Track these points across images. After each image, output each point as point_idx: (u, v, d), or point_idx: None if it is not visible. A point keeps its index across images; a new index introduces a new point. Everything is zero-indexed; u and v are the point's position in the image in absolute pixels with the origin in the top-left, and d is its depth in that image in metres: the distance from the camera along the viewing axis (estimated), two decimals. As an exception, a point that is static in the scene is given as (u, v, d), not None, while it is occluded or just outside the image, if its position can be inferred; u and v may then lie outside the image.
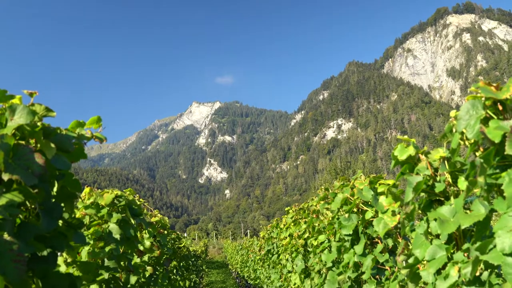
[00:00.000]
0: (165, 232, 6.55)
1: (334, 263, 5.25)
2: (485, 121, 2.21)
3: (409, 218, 3.19)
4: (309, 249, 6.48)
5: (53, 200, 2.29)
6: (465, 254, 2.53)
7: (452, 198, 2.80)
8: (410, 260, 3.06)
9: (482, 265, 2.28)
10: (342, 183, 4.83)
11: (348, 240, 4.57)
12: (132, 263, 4.77)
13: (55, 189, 2.35)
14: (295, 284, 7.61)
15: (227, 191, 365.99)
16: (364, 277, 4.14)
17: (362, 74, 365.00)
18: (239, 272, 24.10)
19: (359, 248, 4.30)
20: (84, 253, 3.56)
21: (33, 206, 2.15)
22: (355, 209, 4.50)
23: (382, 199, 3.96)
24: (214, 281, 35.10)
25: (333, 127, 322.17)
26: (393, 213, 3.76)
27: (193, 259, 15.13)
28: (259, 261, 14.07)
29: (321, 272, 5.66)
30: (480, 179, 2.25)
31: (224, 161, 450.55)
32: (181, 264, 9.38)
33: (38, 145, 1.99)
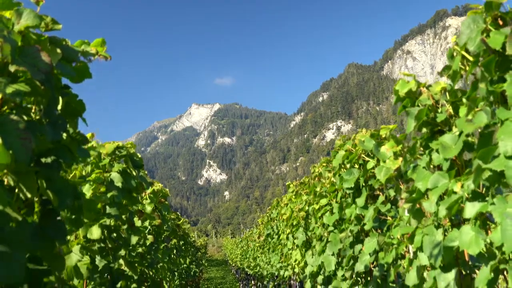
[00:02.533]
0: (166, 202, 6.54)
1: (336, 226, 5.25)
2: (486, 33, 2.22)
3: (411, 152, 3.19)
4: (310, 219, 6.48)
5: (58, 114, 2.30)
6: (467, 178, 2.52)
7: (454, 128, 2.80)
8: (413, 195, 3.07)
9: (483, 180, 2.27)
10: (342, 141, 4.82)
11: (349, 195, 4.57)
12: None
13: (59, 106, 2.36)
14: (295, 260, 7.61)
15: (226, 193, 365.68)
16: (366, 227, 4.14)
17: (361, 76, 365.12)
18: (239, 265, 24.08)
19: (360, 201, 4.30)
20: (86, 190, 3.56)
21: (37, 109, 2.16)
22: (356, 166, 4.51)
23: (383, 148, 3.97)
24: (214, 277, 35.17)
25: (333, 129, 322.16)
26: (395, 157, 3.76)
27: (193, 250, 15.11)
28: (258, 248, 14.07)
29: (322, 237, 5.65)
30: (482, 85, 2.26)
31: (224, 162, 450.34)
32: (181, 243, 9.38)
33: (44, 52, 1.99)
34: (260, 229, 13.92)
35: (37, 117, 2.13)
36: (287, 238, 8.28)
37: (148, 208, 5.77)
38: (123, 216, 4.32)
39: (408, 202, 3.14)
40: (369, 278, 4.55)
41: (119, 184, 3.93)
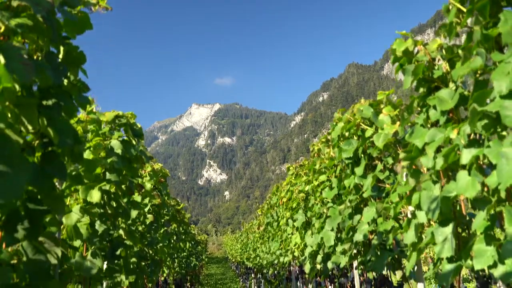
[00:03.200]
0: (165, 182, 6.57)
1: (335, 201, 5.28)
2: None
3: (409, 111, 3.22)
4: (309, 199, 6.50)
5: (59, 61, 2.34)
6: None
7: (450, 83, 2.83)
8: (411, 153, 3.09)
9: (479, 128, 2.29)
10: (341, 114, 4.85)
11: (348, 166, 4.59)
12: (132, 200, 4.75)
13: (60, 55, 2.39)
14: (295, 244, 7.63)
15: (226, 193, 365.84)
16: (364, 195, 4.15)
17: (361, 76, 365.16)
18: (239, 259, 24.09)
19: (359, 170, 4.32)
20: (86, 155, 3.58)
21: (40, 54, 2.19)
22: (355, 137, 4.52)
23: (381, 116, 3.99)
24: (214, 273, 35.21)
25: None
26: (393, 121, 3.79)
27: (193, 243, 15.13)
28: (258, 239, 14.10)
29: (322, 214, 5.67)
30: (476, 28, 2.29)
31: (224, 162, 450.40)
32: (181, 228, 9.40)
33: None
34: (260, 219, 13.96)
35: (40, 59, 2.18)
36: (287, 224, 8.30)
37: (148, 185, 5.81)
38: (123, 186, 4.34)
39: (405, 160, 3.17)
40: (368, 248, 4.56)
41: (119, 151, 3.95)
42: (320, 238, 5.57)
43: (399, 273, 4.35)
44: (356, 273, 5.33)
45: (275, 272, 12.41)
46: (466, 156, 2.39)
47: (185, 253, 11.44)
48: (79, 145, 2.42)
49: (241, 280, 27.20)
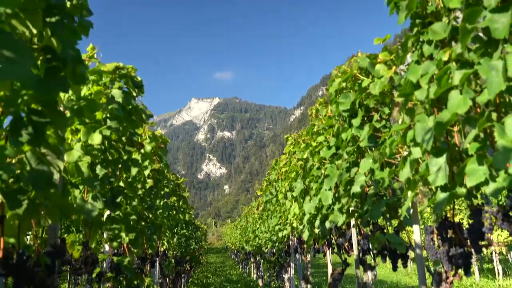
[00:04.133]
0: (165, 148, 6.62)
1: (332, 161, 5.33)
2: None
3: (403, 48, 3.28)
4: (307, 166, 6.56)
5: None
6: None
7: (444, 18, 2.88)
8: (406, 89, 3.15)
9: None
10: (338, 71, 4.90)
11: (345, 120, 4.65)
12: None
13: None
14: (294, 215, 7.69)
15: (226, 187, 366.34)
16: (361, 144, 4.21)
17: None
18: (238, 245, 24.19)
19: (356, 121, 4.38)
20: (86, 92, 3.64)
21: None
22: (352, 92, 4.58)
23: (378, 66, 4.06)
24: (214, 262, 35.40)
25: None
26: (389, 67, 3.85)
27: (192, 226, 15.21)
28: (257, 220, 14.16)
29: (320, 176, 5.73)
30: None
31: (223, 156, 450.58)
32: (181, 202, 9.47)
33: None
34: (259, 200, 14.05)
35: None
36: (285, 197, 8.36)
37: (148, 148, 5.86)
38: (123, 138, 4.40)
39: (400, 97, 3.23)
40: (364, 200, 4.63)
41: (119, 100, 4.01)
42: (318, 200, 5.63)
43: (395, 223, 4.42)
44: (353, 231, 5.40)
45: (274, 249, 12.50)
46: (458, 76, 2.46)
47: (184, 231, 11.52)
48: (80, 65, 2.48)
49: (241, 266, 27.35)
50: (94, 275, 4.34)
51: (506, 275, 18.02)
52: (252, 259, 19.77)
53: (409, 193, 3.65)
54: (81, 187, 3.78)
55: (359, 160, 4.64)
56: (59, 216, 2.58)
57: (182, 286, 14.41)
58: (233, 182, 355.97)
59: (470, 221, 2.98)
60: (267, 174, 11.00)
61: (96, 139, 3.64)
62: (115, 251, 4.68)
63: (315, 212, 6.04)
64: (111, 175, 4.01)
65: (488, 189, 2.51)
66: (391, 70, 3.76)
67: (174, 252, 10.98)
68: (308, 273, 8.32)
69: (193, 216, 17.12)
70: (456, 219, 3.23)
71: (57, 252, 2.60)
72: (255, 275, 19.02)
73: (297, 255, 10.18)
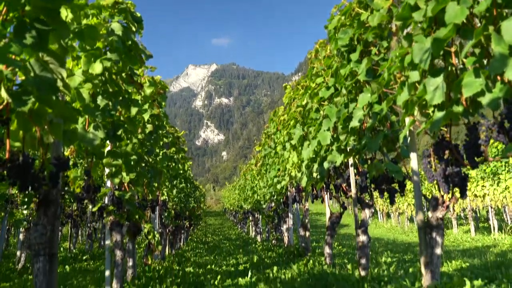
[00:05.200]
0: (164, 94, 6.64)
1: (331, 101, 5.37)
2: None
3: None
4: (306, 113, 6.59)
5: None
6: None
7: None
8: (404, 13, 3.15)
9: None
10: (338, 8, 4.89)
11: (344, 56, 4.67)
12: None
13: None
14: (292, 164, 7.75)
15: (224, 153, 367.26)
16: (359, 78, 4.23)
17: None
18: (237, 205, 24.40)
19: (355, 55, 4.40)
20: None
21: None
22: (350, 28, 4.58)
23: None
24: (213, 224, 35.75)
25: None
26: (388, -3, 3.85)
27: (190, 185, 15.30)
28: (256, 176, 14.26)
29: (318, 118, 5.77)
30: None
31: (221, 123, 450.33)
32: (180, 154, 9.53)
33: None
34: (258, 157, 14.13)
35: None
36: (284, 148, 8.42)
37: (148, 91, 5.88)
38: (123, 74, 4.42)
39: (398, 20, 3.26)
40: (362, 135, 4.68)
41: (119, 33, 4.02)
42: (317, 142, 5.68)
43: (392, 156, 4.48)
44: (351, 170, 5.47)
45: (272, 203, 12.64)
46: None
47: (183, 185, 11.62)
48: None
49: (239, 227, 27.66)
50: (95, 209, 4.42)
51: (501, 230, 18.29)
52: (250, 218, 19.97)
53: (407, 119, 3.71)
54: (82, 119, 3.82)
55: (357, 97, 4.68)
56: (61, 132, 2.62)
57: (182, 242, 14.60)
58: (231, 149, 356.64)
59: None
60: (265, 127, 11.04)
61: (96, 68, 3.66)
62: (116, 187, 4.76)
63: (314, 156, 6.10)
64: (112, 108, 4.04)
65: (485, 99, 2.56)
66: (389, 1, 3.77)
67: (174, 205, 11.10)
68: (307, 220, 8.44)
69: (192, 174, 17.23)
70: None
71: (61, 164, 2.65)
72: (253, 233, 19.25)
73: (295, 205, 10.31)
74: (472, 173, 18.07)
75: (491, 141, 3.17)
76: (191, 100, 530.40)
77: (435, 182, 3.40)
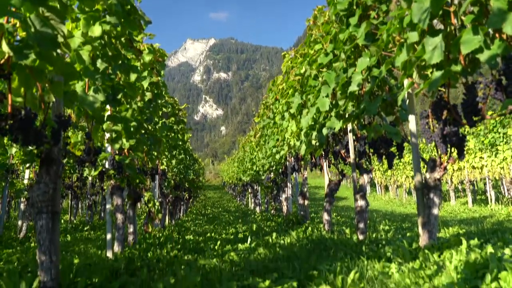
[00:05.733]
0: (163, 62, 6.62)
1: (330, 68, 5.37)
2: None
3: None
4: (304, 81, 6.59)
5: None
6: None
7: None
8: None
9: None
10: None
11: (342, 21, 4.66)
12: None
13: None
14: (291, 133, 7.76)
15: (222, 128, 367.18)
16: (359, 42, 4.23)
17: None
18: (236, 178, 24.52)
19: (354, 19, 4.39)
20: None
21: None
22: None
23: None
24: (212, 197, 35.95)
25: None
26: (388, -44, 3.82)
27: (189, 157, 15.34)
28: (255, 147, 14.30)
29: (316, 85, 5.77)
30: None
31: (220, 98, 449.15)
32: (180, 126, 9.55)
33: None
34: (256, 128, 14.16)
35: None
36: (283, 117, 8.43)
37: (147, 58, 5.87)
38: (122, 39, 4.41)
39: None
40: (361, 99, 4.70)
41: (117, -4, 4.00)
42: (316, 109, 5.70)
43: (390, 119, 4.51)
44: (350, 136, 5.50)
45: (271, 173, 12.71)
46: None
47: (183, 156, 11.67)
48: None
49: (238, 199, 27.83)
50: (96, 172, 4.46)
51: (498, 201, 18.43)
52: (249, 190, 20.08)
53: (405, 81, 3.72)
54: (82, 82, 3.83)
55: (356, 62, 4.68)
56: (62, 91, 2.64)
57: (182, 213, 14.71)
58: (230, 124, 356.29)
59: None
60: (264, 98, 11.04)
61: (96, 30, 3.66)
62: (117, 152, 4.79)
63: (312, 123, 6.12)
64: (112, 71, 4.05)
65: (483, 56, 2.57)
66: (390, -40, 3.75)
67: (173, 176, 11.16)
68: (305, 189, 8.50)
69: (191, 147, 17.29)
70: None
71: (62, 122, 2.67)
72: (252, 205, 19.38)
73: (294, 174, 10.36)
74: (471, 144, 18.13)
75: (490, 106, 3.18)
76: (190, 75, 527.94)
77: (433, 143, 3.43)
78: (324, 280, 3.10)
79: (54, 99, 2.66)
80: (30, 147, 2.76)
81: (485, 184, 21.48)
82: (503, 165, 16.46)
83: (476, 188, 25.65)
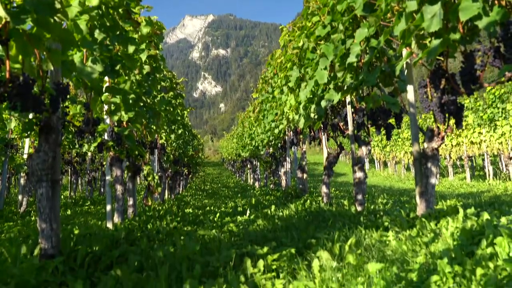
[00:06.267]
0: (161, 35, 6.59)
1: (327, 40, 5.35)
2: None
3: None
4: (303, 55, 6.56)
5: None
6: None
7: None
8: None
9: None
10: None
11: (341, -8, 4.62)
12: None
13: None
14: (290, 107, 7.76)
15: (221, 105, 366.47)
16: (357, 12, 4.20)
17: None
18: (235, 154, 24.58)
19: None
20: None
21: None
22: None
23: None
24: (211, 173, 36.08)
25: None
26: None
27: (188, 132, 15.34)
28: (254, 122, 14.30)
29: (314, 58, 5.75)
30: None
31: (219, 74, 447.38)
32: (178, 100, 9.54)
33: None
34: (255, 103, 14.15)
35: None
36: (281, 92, 8.42)
37: (144, 30, 5.83)
38: (120, 10, 4.39)
39: None
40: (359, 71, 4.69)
41: (114, -35, 3.97)
42: (314, 82, 5.69)
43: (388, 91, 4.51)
44: (349, 108, 5.50)
45: (270, 148, 12.73)
46: None
47: (182, 130, 11.67)
48: None
49: (237, 175, 27.94)
50: (95, 144, 4.47)
51: (496, 176, 18.51)
52: (248, 166, 20.14)
53: (404, 51, 3.71)
54: (80, 53, 3.82)
55: (354, 33, 4.66)
56: (60, 59, 2.63)
57: (181, 188, 14.77)
58: (229, 100, 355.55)
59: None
60: (262, 73, 11.01)
61: (93, 0, 3.64)
62: (115, 123, 4.79)
63: (311, 96, 6.12)
64: (110, 42, 4.04)
65: (482, 23, 2.57)
66: None
67: (172, 150, 11.19)
68: (304, 163, 8.54)
69: (190, 123, 17.29)
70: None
71: (60, 90, 2.67)
72: (251, 180, 19.46)
73: (292, 149, 10.39)
74: (469, 119, 18.13)
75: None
76: (188, 52, 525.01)
77: (431, 113, 3.44)
78: (322, 247, 3.14)
79: (52, 68, 2.66)
80: (29, 116, 2.77)
81: (483, 160, 21.56)
82: (502, 141, 16.48)
83: (474, 164, 25.73)
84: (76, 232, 3.73)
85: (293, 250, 2.96)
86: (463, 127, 18.80)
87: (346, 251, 2.90)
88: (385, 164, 35.77)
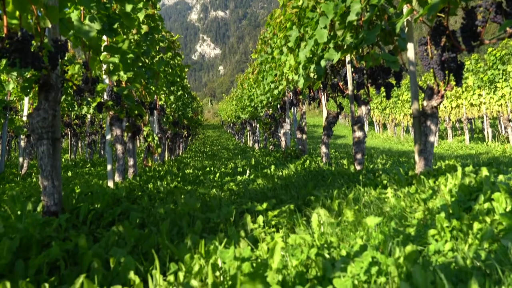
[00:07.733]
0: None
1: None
2: None
3: None
4: (302, 14, 6.49)
5: None
6: None
7: None
8: None
9: None
10: None
11: None
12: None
13: None
14: (289, 67, 7.71)
15: (221, 67, 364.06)
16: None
17: None
18: (234, 116, 24.56)
19: None
20: None
21: None
22: None
23: None
24: (211, 136, 36.15)
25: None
26: None
27: (186, 94, 15.28)
28: (253, 84, 14.24)
29: (315, 17, 5.69)
30: None
31: (217, 37, 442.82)
32: (176, 61, 9.48)
33: None
34: (254, 65, 14.07)
35: None
36: (281, 52, 8.36)
37: (143, -7, 5.77)
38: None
39: None
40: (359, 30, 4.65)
41: None
42: (314, 41, 5.65)
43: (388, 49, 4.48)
44: (348, 67, 5.48)
45: (269, 110, 12.72)
46: None
47: (181, 92, 11.64)
48: None
49: (237, 137, 27.99)
50: (94, 104, 4.47)
51: (495, 138, 18.57)
52: (248, 128, 20.15)
53: (405, 8, 3.68)
54: (77, 12, 3.78)
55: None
56: (57, 16, 2.61)
57: (181, 150, 14.81)
58: (228, 63, 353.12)
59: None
60: (261, 33, 10.90)
61: (89, -44, 3.59)
62: (115, 83, 4.78)
63: (311, 56, 6.08)
64: (107, 0, 4.00)
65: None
66: None
67: (172, 112, 11.18)
68: (303, 123, 8.54)
69: (189, 85, 17.22)
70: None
71: (59, 46, 2.66)
72: (251, 142, 19.51)
73: (292, 109, 10.38)
74: (469, 81, 18.05)
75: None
76: (186, 14, 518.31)
77: (430, 73, 3.43)
78: (321, 204, 3.17)
79: (50, 25, 2.64)
80: (28, 74, 2.76)
81: (482, 122, 21.57)
82: (501, 103, 16.45)
83: (473, 126, 25.75)
84: (77, 190, 3.76)
85: (292, 206, 3.00)
86: (463, 89, 18.75)
87: (344, 208, 2.93)
88: (384, 127, 35.80)
